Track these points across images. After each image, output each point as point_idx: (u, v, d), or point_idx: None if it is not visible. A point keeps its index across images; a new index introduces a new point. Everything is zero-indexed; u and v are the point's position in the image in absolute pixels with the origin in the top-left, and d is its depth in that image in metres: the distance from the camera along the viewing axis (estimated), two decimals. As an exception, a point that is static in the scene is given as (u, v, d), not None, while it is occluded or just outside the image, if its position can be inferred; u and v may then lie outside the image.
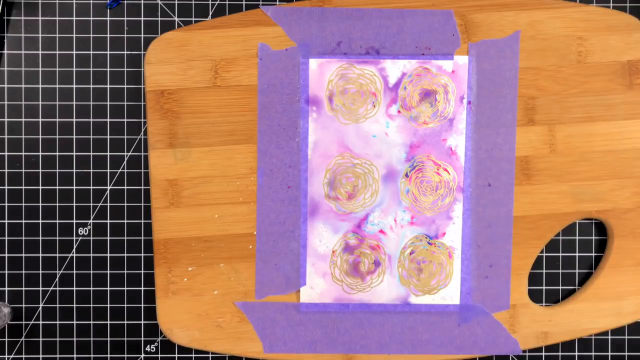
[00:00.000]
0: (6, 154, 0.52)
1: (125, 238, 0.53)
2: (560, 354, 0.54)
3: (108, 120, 0.52)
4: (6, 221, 0.52)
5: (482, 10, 0.49)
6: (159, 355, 0.53)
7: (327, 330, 0.50)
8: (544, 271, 0.54)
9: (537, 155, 0.50)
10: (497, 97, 0.49)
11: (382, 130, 0.49)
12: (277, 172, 0.49)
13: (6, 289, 0.53)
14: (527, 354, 0.53)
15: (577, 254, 0.54)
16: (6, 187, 0.52)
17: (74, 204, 0.53)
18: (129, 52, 0.52)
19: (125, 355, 0.53)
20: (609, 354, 0.54)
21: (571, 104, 0.50)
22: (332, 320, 0.50)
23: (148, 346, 0.53)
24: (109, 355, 0.53)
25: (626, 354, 0.53)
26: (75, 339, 0.53)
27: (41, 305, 0.53)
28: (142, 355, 0.53)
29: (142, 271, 0.53)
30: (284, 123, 0.49)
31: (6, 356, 0.53)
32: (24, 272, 0.53)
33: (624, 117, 0.50)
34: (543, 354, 0.53)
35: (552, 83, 0.50)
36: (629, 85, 0.50)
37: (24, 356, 0.53)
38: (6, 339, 0.53)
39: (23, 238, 0.52)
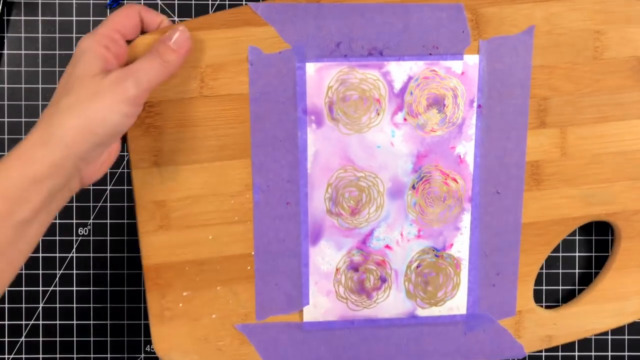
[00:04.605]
0: (6, 154, 0.49)
1: (125, 238, 0.53)
2: (560, 354, 0.54)
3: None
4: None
5: (495, 4, 0.45)
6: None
7: (331, 346, 0.48)
8: (544, 271, 0.53)
9: (547, 159, 0.47)
10: (509, 99, 0.46)
11: (388, 140, 0.46)
12: (274, 188, 0.45)
13: (6, 288, 0.50)
14: (527, 354, 0.53)
15: (577, 254, 0.53)
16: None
17: (74, 204, 0.53)
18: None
19: (125, 355, 0.53)
20: (609, 354, 0.54)
21: (584, 104, 0.47)
22: (337, 337, 0.48)
23: (148, 346, 0.54)
24: (109, 355, 0.53)
25: (626, 354, 0.54)
26: (75, 339, 0.53)
27: (41, 305, 0.53)
28: (142, 355, 0.53)
29: (142, 271, 0.50)
30: (280, 135, 0.45)
31: (6, 356, 0.53)
32: (24, 272, 0.53)
33: (637, 115, 0.47)
34: (543, 354, 0.54)
35: (566, 82, 0.46)
36: (645, 82, 0.47)
37: (24, 356, 0.53)
38: (6, 339, 0.53)
39: (23, 237, 0.51)
